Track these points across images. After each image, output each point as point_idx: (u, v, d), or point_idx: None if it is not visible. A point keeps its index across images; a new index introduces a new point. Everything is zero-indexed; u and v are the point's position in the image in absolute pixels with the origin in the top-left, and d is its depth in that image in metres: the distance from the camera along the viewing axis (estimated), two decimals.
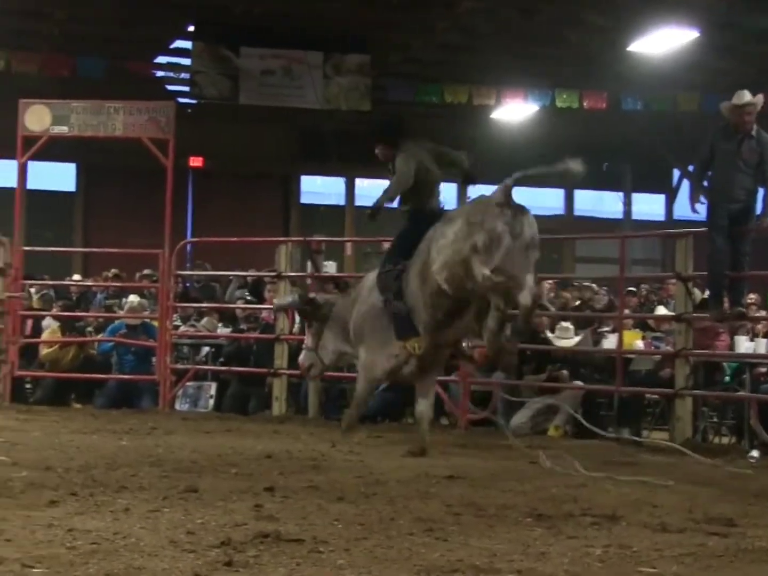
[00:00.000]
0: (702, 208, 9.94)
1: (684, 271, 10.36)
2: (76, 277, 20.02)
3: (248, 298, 14.29)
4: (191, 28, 20.82)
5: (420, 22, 19.62)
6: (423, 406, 8.92)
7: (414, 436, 9.05)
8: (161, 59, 22.57)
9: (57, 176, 26.04)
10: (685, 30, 18.29)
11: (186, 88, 21.92)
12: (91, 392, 13.25)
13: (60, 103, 12.87)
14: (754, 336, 11.91)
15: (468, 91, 21.75)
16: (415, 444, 8.70)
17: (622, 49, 19.36)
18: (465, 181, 9.57)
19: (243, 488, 6.36)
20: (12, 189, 13.60)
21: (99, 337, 13.63)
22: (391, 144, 9.11)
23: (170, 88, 22.76)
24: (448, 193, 30.31)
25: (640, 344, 11.78)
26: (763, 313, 13.64)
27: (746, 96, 9.80)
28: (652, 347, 11.92)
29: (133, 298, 13.71)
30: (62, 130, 12.77)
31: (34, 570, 4.24)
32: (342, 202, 28.01)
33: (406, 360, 8.60)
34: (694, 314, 10.34)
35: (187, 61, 21.39)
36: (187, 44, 21.33)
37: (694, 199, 10.03)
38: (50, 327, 13.69)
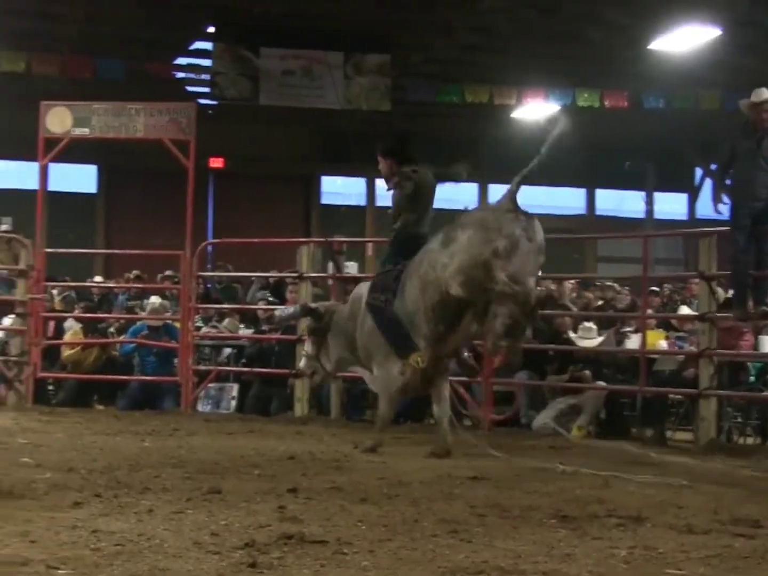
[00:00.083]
0: (725, 209, 9.88)
1: (707, 271, 10.30)
2: (98, 278, 20.09)
3: (270, 299, 14.27)
4: (211, 29, 20.84)
5: (440, 22, 19.59)
6: (439, 410, 8.91)
7: (436, 437, 9.03)
8: (181, 60, 22.60)
9: (78, 178, 26.15)
10: (707, 28, 18.21)
11: (206, 89, 21.95)
12: (114, 394, 13.27)
13: (81, 105, 12.88)
14: None
15: (489, 91, 21.71)
16: (439, 445, 8.69)
17: (643, 47, 19.29)
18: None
19: (266, 489, 6.34)
20: (34, 191, 13.62)
21: (121, 338, 13.65)
22: (395, 161, 9.16)
23: (190, 89, 22.79)
24: (467, 194, 30.31)
25: (663, 344, 11.72)
26: None
27: (764, 93, 9.75)
28: (676, 347, 11.86)
29: (154, 300, 13.72)
30: (83, 131, 12.78)
31: (59, 571, 4.24)
32: (363, 202, 28.02)
33: (414, 375, 8.55)
34: (718, 314, 10.28)
35: (207, 62, 21.41)
36: (207, 45, 21.35)
37: (716, 199, 9.97)
38: (72, 328, 13.72)
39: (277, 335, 12.76)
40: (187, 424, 10.52)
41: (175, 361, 12.71)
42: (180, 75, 22.75)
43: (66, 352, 13.33)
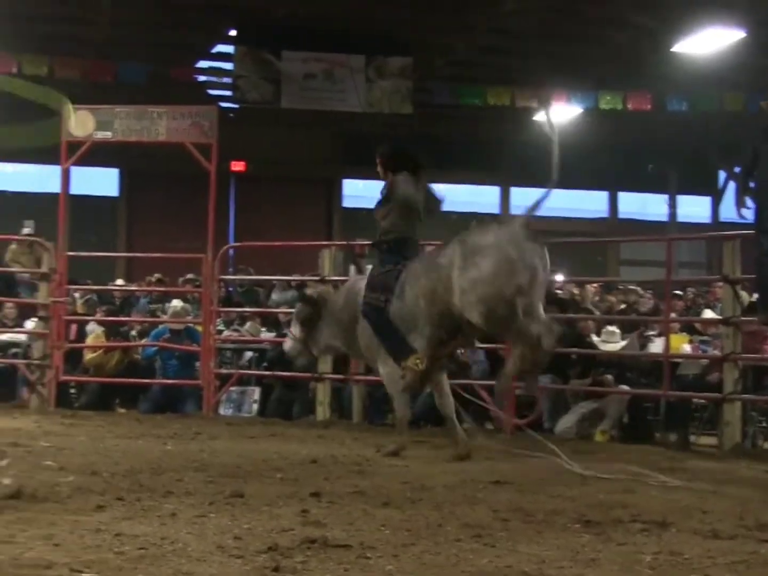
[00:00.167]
0: (749, 213, 9.80)
1: (731, 274, 10.24)
2: (120, 281, 20.13)
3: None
4: (233, 33, 20.87)
5: (463, 25, 19.57)
6: (443, 405, 8.99)
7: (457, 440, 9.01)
8: (203, 64, 22.64)
9: (100, 181, 26.24)
10: (731, 30, 18.13)
11: (228, 93, 21.99)
12: (136, 397, 13.29)
13: (103, 109, 12.90)
14: None
15: (511, 93, 21.68)
16: (461, 447, 8.69)
17: (666, 49, 19.22)
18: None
19: (289, 493, 6.32)
20: (56, 194, 13.65)
21: (143, 341, 13.67)
22: (386, 168, 9.09)
23: (212, 92, 22.85)
24: (489, 197, 30.22)
25: (687, 348, 11.68)
26: None
27: None
28: (700, 351, 11.81)
29: (176, 303, 13.74)
30: (106, 135, 12.80)
31: (83, 575, 4.23)
32: None
33: (414, 377, 8.56)
34: (742, 318, 10.21)
35: (228, 66, 21.43)
36: (228, 48, 21.38)
37: (740, 203, 9.88)
38: (94, 332, 13.75)
39: None
40: (209, 428, 10.51)
41: (197, 364, 12.72)
42: (202, 78, 22.81)
43: (88, 356, 13.36)
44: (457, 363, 9.63)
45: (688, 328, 12.58)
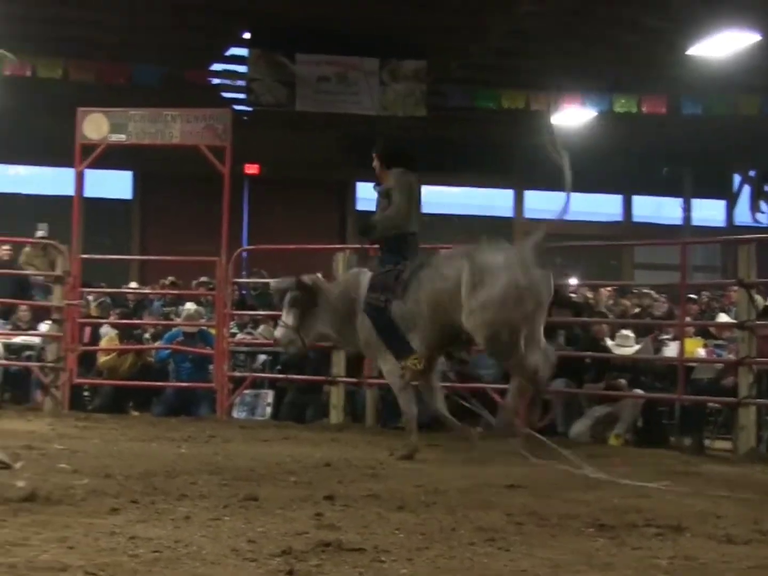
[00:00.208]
0: (764, 218, 9.77)
1: (746, 278, 10.21)
2: (133, 284, 20.15)
3: None
4: (247, 35, 20.86)
5: (477, 27, 19.54)
6: (432, 403, 9.21)
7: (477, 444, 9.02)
8: (217, 67, 22.65)
9: (114, 184, 26.24)
10: (746, 33, 18.05)
11: (241, 96, 21.98)
12: (149, 400, 13.30)
13: (117, 111, 12.92)
14: None
15: (525, 96, 21.65)
16: (478, 449, 8.72)
17: (681, 52, 19.13)
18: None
19: (303, 497, 6.33)
20: (70, 197, 13.67)
21: (156, 344, 13.67)
22: (390, 166, 9.29)
23: (226, 95, 22.85)
24: (503, 201, 30.16)
25: (701, 352, 11.66)
26: None
27: None
28: (714, 355, 11.79)
29: (189, 306, 13.75)
30: (120, 138, 12.82)
31: None
32: None
33: (412, 376, 8.85)
34: (757, 321, 10.20)
35: (242, 69, 21.42)
36: (242, 51, 21.38)
37: (754, 207, 9.86)
38: (108, 335, 13.76)
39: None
40: (222, 431, 10.52)
41: (210, 367, 12.73)
42: (216, 81, 22.82)
43: (102, 358, 13.38)
44: (455, 360, 9.79)
45: (703, 332, 12.56)
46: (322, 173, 26.41)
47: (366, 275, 9.37)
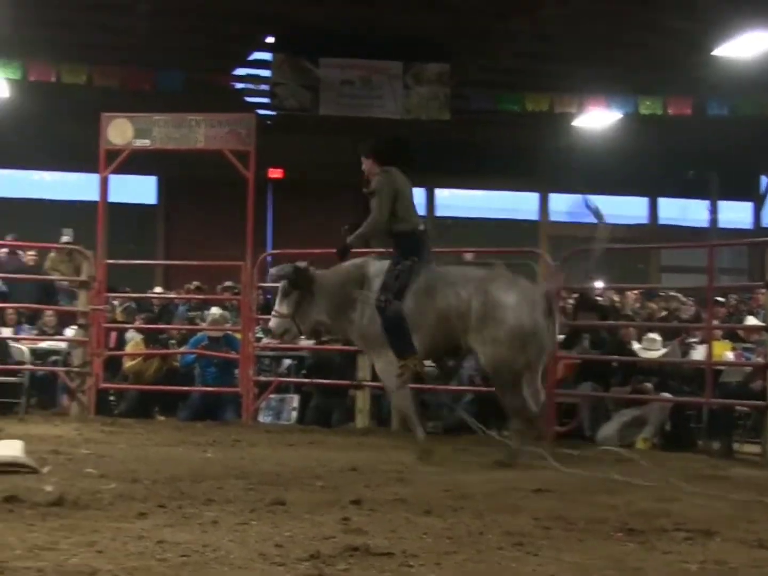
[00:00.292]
0: None
1: None
2: (158, 289, 20.17)
3: None
4: (270, 40, 20.89)
5: (500, 30, 19.50)
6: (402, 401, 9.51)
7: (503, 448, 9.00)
8: (241, 71, 22.69)
9: (138, 189, 26.29)
10: None
11: (265, 100, 22.01)
12: (175, 404, 13.29)
13: (142, 117, 12.90)
14: None
15: (549, 99, 21.59)
16: (507, 454, 8.71)
17: (707, 53, 19.05)
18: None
19: (330, 501, 6.33)
20: (94, 202, 13.67)
21: (182, 349, 13.67)
22: (379, 162, 9.41)
23: (249, 100, 22.88)
24: (528, 204, 30.09)
25: (730, 355, 11.58)
26: None
27: None
28: (743, 358, 11.70)
29: (215, 311, 13.73)
30: (144, 143, 12.81)
31: None
32: (422, 212, 27.96)
33: (410, 376, 9.10)
34: None
35: (266, 73, 21.45)
36: (266, 56, 21.40)
37: None
38: (134, 339, 13.77)
39: (337, 346, 12.70)
40: (248, 436, 10.49)
41: (236, 371, 12.71)
42: (239, 86, 22.86)
43: (127, 363, 13.39)
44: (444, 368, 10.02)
45: (731, 335, 12.48)
46: (346, 177, 26.28)
47: (372, 266, 9.51)
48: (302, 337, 10.62)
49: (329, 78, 20.52)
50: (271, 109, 21.86)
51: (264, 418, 12.61)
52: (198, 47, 20.83)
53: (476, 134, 25.08)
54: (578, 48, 19.96)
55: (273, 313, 9.91)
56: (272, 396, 12.64)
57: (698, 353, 11.68)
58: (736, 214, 29.26)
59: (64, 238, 16.41)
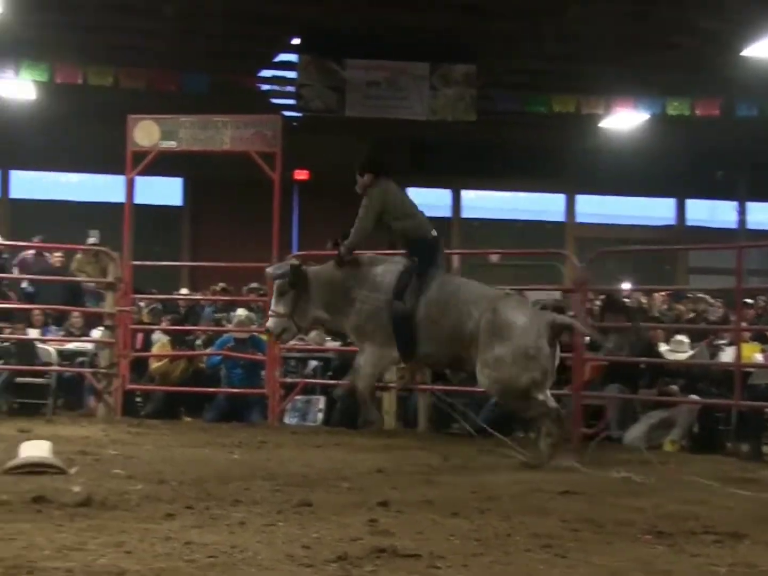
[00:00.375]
0: None
1: None
2: (184, 291, 20.21)
3: None
4: (296, 41, 20.90)
5: (527, 31, 19.46)
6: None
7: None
8: (266, 73, 22.72)
9: (164, 190, 26.38)
10: None
11: (291, 101, 22.03)
12: (201, 406, 13.30)
13: (168, 118, 12.92)
14: None
15: (576, 100, 21.54)
16: (534, 456, 8.72)
17: (735, 53, 18.96)
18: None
19: (356, 502, 6.32)
20: (120, 204, 13.71)
21: (208, 350, 13.69)
22: (372, 175, 9.84)
23: (275, 101, 22.92)
24: (554, 205, 29.97)
25: (759, 357, 11.52)
26: None
27: None
28: None
29: (241, 312, 13.74)
30: (170, 144, 12.83)
31: None
32: (448, 214, 27.98)
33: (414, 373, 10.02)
34: None
35: (292, 74, 21.47)
36: (292, 57, 21.42)
37: None
38: (160, 341, 13.79)
39: None
40: (274, 437, 10.47)
41: (262, 373, 12.71)
42: (265, 87, 22.89)
43: (154, 364, 13.41)
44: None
45: (760, 337, 12.42)
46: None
47: (378, 266, 9.73)
48: (304, 336, 10.82)
49: (355, 79, 20.52)
50: (297, 111, 21.87)
51: (290, 419, 12.60)
52: (224, 49, 20.88)
53: (503, 135, 25.06)
54: (605, 49, 19.90)
55: (270, 312, 10.04)
56: (298, 397, 12.62)
57: (727, 355, 11.63)
58: (764, 215, 29.12)
59: (91, 240, 16.46)
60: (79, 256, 16.75)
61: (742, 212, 28.53)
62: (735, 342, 11.16)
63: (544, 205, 28.32)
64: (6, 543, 4.83)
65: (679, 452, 10.55)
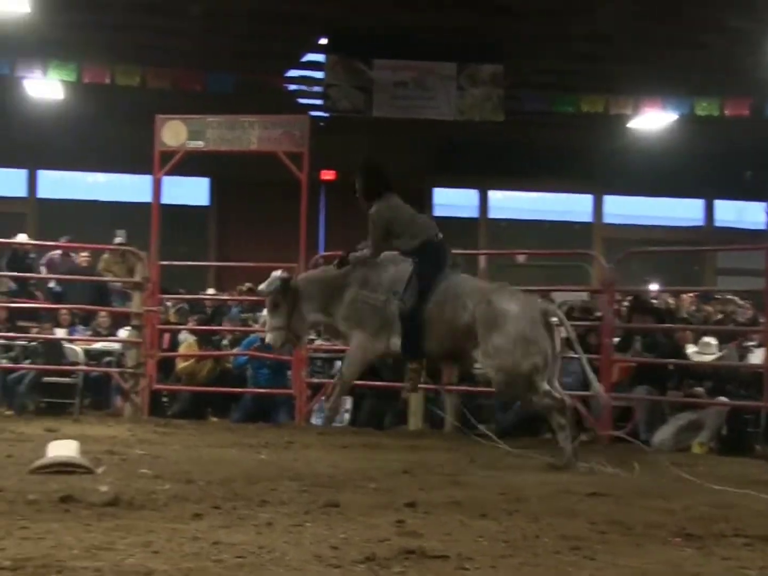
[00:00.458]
0: None
1: None
2: (211, 291, 20.25)
3: None
4: (323, 41, 20.90)
5: (555, 31, 19.40)
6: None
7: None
8: (293, 73, 22.73)
9: (191, 190, 26.43)
10: None
11: (318, 102, 22.03)
12: (227, 406, 13.33)
13: (195, 118, 12.95)
14: None
15: (605, 100, 21.46)
16: (559, 458, 8.68)
17: (765, 53, 18.87)
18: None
19: (383, 503, 6.29)
20: (147, 204, 13.75)
21: (234, 350, 13.71)
22: (372, 192, 9.95)
23: (302, 101, 22.93)
24: (582, 206, 29.83)
25: None
26: None
27: None
28: None
29: None
30: (198, 144, 12.86)
31: None
32: (475, 214, 27.96)
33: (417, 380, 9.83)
34: None
35: (319, 75, 21.47)
36: (319, 57, 21.42)
37: None
38: (187, 341, 13.82)
39: None
40: (300, 437, 10.47)
41: (289, 373, 12.72)
42: (292, 87, 22.91)
43: (180, 364, 13.45)
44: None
45: None
46: (398, 179, 26.32)
47: (387, 269, 9.67)
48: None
49: (382, 79, 20.49)
50: (324, 111, 21.86)
51: (317, 420, 12.61)
52: (250, 49, 20.90)
53: (530, 136, 25.01)
54: (634, 49, 19.83)
55: (267, 328, 10.12)
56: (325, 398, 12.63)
57: (756, 357, 11.57)
58: None
59: (118, 240, 16.51)
60: (106, 255, 16.80)
61: None
62: (764, 343, 11.11)
63: (571, 206, 28.24)
64: (34, 542, 4.83)
65: (707, 454, 10.51)
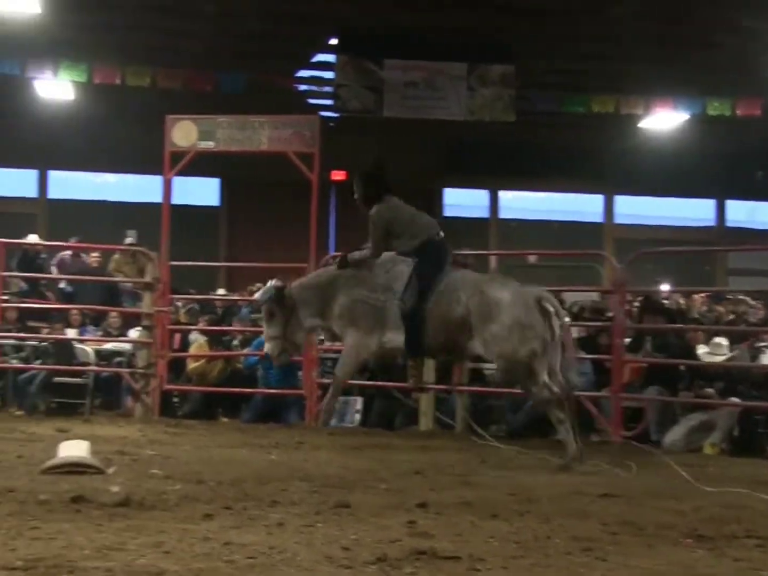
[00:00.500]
0: None
1: None
2: (221, 291, 20.27)
3: None
4: (334, 41, 20.89)
5: (566, 31, 19.36)
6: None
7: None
8: (303, 73, 22.72)
9: (201, 191, 26.44)
10: None
11: (328, 102, 22.01)
12: (238, 406, 13.34)
13: (206, 119, 12.95)
14: None
15: (615, 100, 21.42)
16: (568, 458, 8.65)
17: None
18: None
19: (394, 504, 6.29)
20: (157, 204, 13.75)
21: (245, 351, 13.71)
22: (372, 197, 9.83)
23: (312, 101, 22.92)
24: (593, 206, 29.78)
25: None
26: None
27: None
28: None
29: None
30: (208, 145, 12.86)
31: None
32: (486, 214, 27.94)
33: (419, 379, 10.07)
34: None
35: (329, 75, 21.46)
36: (329, 57, 21.41)
37: None
38: (197, 341, 13.83)
39: None
40: (311, 438, 10.46)
41: (299, 374, 12.72)
42: (302, 87, 22.90)
43: (191, 365, 13.46)
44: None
45: None
46: (409, 179, 26.32)
47: (390, 270, 9.65)
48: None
49: (393, 80, 20.46)
50: (334, 111, 21.85)
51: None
52: (260, 49, 20.89)
53: (541, 136, 24.99)
54: (645, 48, 19.77)
55: (264, 338, 10.19)
56: None
57: (767, 357, 11.55)
58: None
59: (128, 240, 16.54)
60: (116, 256, 16.84)
61: None
62: None
63: (582, 206, 28.21)
64: (46, 542, 4.84)
65: (718, 455, 10.49)
